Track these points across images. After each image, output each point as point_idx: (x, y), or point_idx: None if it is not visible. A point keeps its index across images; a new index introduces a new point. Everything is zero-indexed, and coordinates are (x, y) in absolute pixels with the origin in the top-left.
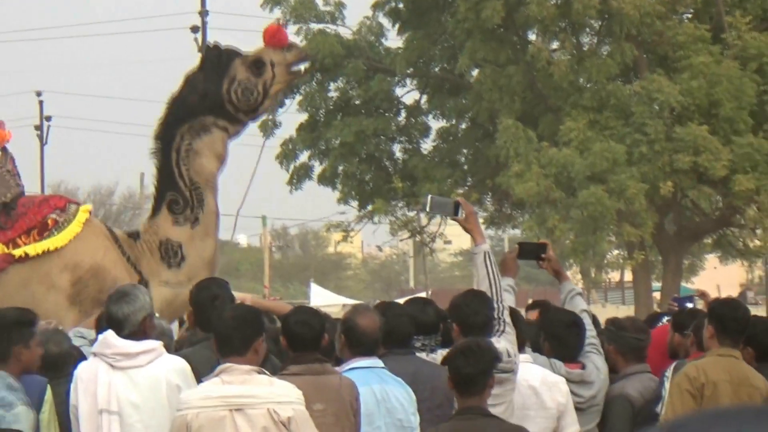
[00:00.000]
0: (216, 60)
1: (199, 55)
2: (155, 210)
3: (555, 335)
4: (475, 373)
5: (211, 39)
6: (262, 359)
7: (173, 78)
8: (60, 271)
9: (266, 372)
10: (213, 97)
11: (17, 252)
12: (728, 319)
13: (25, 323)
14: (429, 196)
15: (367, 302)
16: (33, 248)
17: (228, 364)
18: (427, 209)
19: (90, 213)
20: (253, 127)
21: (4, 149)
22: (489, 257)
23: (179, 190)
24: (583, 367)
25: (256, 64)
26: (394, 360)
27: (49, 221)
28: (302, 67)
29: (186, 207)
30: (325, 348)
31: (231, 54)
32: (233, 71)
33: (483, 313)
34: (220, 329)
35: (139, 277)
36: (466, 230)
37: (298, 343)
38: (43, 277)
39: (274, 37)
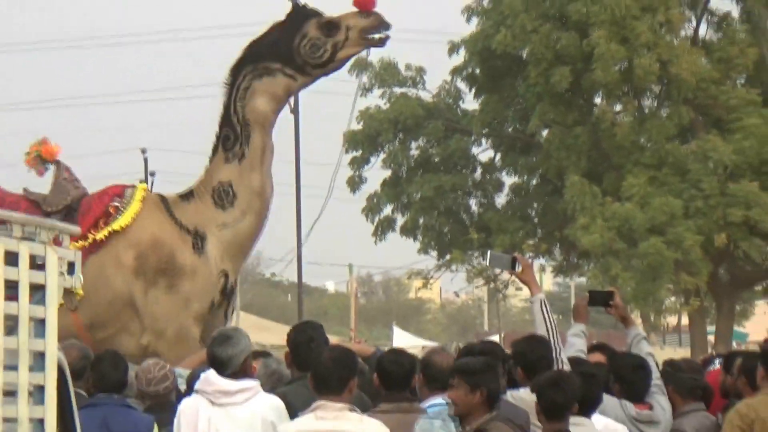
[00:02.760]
0: (296, 17)
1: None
2: (214, 149)
3: (624, 378)
4: (565, 401)
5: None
6: (354, 397)
7: None
8: (125, 249)
9: (357, 410)
10: (283, 47)
11: (90, 239)
12: None
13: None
14: (488, 252)
15: (445, 344)
16: (100, 233)
17: (323, 402)
18: (487, 263)
19: (146, 190)
20: (340, 181)
21: (57, 162)
22: (544, 304)
23: (232, 125)
24: (651, 408)
25: (329, 25)
26: None
27: (111, 209)
28: (377, 36)
29: (236, 143)
30: (414, 389)
31: (310, 13)
32: (306, 28)
33: (546, 357)
34: (318, 369)
35: (192, 236)
36: (523, 282)
37: (391, 381)
38: (113, 259)
39: (362, 1)
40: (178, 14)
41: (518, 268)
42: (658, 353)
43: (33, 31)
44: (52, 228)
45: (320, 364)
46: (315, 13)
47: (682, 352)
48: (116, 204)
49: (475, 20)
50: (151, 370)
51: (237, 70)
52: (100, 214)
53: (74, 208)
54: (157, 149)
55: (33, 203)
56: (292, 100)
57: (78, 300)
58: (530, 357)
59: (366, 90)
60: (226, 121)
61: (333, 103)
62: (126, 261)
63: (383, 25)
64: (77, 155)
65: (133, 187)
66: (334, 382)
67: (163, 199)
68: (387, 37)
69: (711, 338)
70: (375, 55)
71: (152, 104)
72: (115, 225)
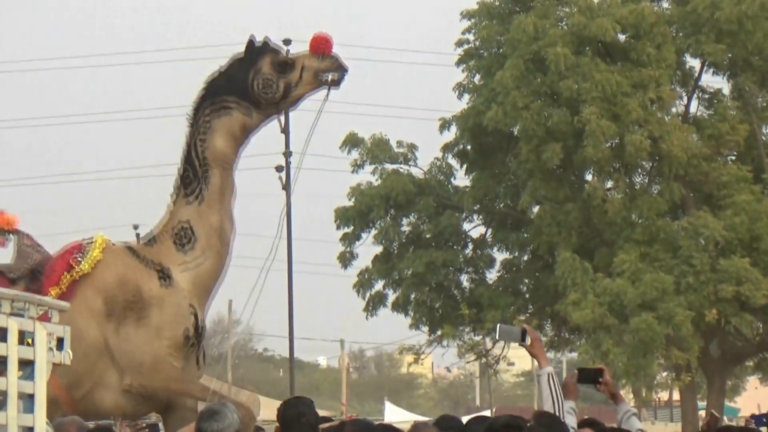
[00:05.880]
0: (253, 52)
1: (284, 192)
2: (176, 188)
3: None
4: None
5: (294, 178)
6: None
7: (258, 212)
8: (94, 296)
9: None
10: (239, 82)
11: (53, 293)
12: None
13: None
14: (498, 325)
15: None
16: (63, 283)
17: None
18: (497, 337)
19: (106, 240)
20: (330, 256)
21: (18, 231)
22: (552, 378)
23: (192, 164)
24: None
25: (284, 64)
26: None
27: (73, 262)
28: (330, 76)
29: (195, 182)
30: None
31: (266, 49)
32: (260, 64)
33: None
34: None
35: (157, 271)
36: (532, 354)
37: None
38: (84, 309)
39: (318, 44)
40: (168, 93)
41: (528, 341)
42: (650, 428)
43: (26, 108)
44: (41, 304)
45: None
46: (272, 50)
47: (673, 427)
48: (77, 257)
49: (466, 97)
50: None
51: (197, 106)
52: (62, 270)
53: (39, 270)
54: (149, 225)
55: None
56: (283, 175)
57: None
58: None
59: (357, 166)
60: (187, 158)
61: (325, 179)
62: (96, 307)
63: (340, 67)
64: (70, 231)
65: (91, 239)
66: None
67: (128, 246)
68: (342, 78)
69: (702, 413)
70: (366, 131)
71: (144, 180)
72: (74, 274)
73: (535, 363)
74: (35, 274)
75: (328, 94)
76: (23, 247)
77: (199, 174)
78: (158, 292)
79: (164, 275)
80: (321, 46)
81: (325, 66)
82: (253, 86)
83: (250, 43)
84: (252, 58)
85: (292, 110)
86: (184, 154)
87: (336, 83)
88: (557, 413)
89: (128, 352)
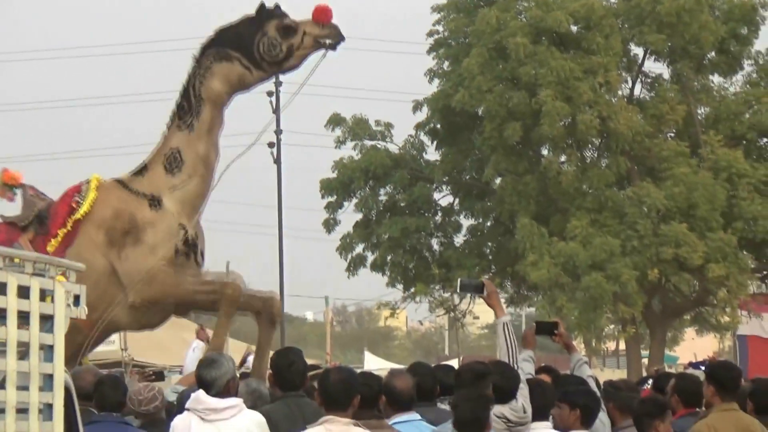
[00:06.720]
0: (261, 15)
1: (275, 165)
2: (172, 117)
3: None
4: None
5: (285, 158)
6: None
7: (252, 184)
8: (96, 231)
9: (360, 424)
10: (246, 40)
11: (61, 234)
12: (726, 378)
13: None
14: (459, 279)
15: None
16: (68, 224)
17: (331, 416)
18: (458, 290)
19: (99, 179)
20: (317, 225)
21: (22, 185)
22: (507, 327)
23: (188, 98)
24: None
25: (288, 29)
26: (420, 411)
27: (74, 204)
28: (329, 41)
29: (188, 114)
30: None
31: (273, 14)
32: (267, 27)
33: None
34: (327, 389)
35: (148, 199)
36: (489, 305)
37: (361, 400)
38: (88, 243)
39: (319, 14)
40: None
41: (485, 293)
42: (599, 374)
43: (56, 90)
44: (59, 265)
45: (328, 384)
46: (278, 15)
47: (619, 374)
48: (77, 199)
49: (436, 81)
50: (142, 392)
51: (204, 50)
52: (65, 212)
53: (44, 215)
54: None
55: (10, 224)
56: (274, 150)
57: None
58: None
59: (340, 142)
60: (185, 92)
61: (311, 154)
62: (99, 240)
63: (338, 36)
64: None
65: (88, 180)
66: (342, 399)
67: (118, 180)
68: (338, 44)
69: (645, 361)
70: (348, 112)
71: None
72: (77, 215)
73: None
74: (42, 219)
75: (325, 53)
76: (28, 197)
77: (193, 107)
78: (150, 216)
79: (154, 202)
80: (322, 15)
81: (324, 33)
82: (259, 47)
83: (261, 6)
84: (260, 21)
85: (291, 72)
86: (183, 88)
87: (333, 47)
88: (511, 357)
89: (128, 270)
